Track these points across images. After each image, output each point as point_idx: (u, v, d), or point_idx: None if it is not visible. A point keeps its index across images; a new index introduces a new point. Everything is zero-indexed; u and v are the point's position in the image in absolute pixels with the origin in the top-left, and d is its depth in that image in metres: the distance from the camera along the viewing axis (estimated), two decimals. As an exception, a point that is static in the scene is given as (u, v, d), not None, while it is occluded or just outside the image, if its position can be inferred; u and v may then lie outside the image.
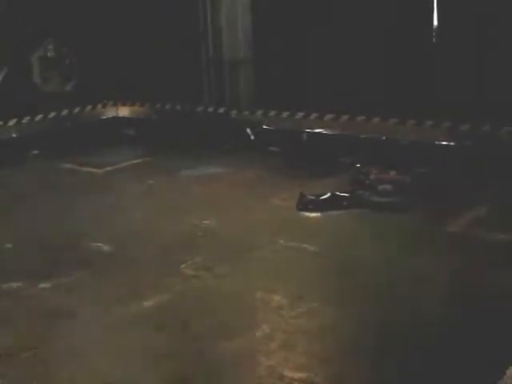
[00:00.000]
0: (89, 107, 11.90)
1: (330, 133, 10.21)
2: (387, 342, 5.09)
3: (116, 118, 12.23)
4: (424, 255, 6.56)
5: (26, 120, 11.03)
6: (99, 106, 12.07)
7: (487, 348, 4.90)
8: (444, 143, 9.29)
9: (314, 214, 7.82)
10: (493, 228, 7.11)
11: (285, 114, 10.60)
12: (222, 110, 11.09)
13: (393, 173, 8.48)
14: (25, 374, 4.92)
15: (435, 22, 9.23)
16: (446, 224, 7.30)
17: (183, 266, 6.50)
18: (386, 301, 5.72)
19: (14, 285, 6.24)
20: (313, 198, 7.95)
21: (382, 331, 5.24)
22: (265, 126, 10.74)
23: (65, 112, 11.50)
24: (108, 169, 10.01)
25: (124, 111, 12.27)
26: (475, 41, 8.93)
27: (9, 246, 7.20)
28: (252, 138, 10.80)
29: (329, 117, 10.17)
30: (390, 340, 5.12)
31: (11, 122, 10.86)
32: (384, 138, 9.67)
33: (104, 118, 12.17)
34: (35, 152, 10.91)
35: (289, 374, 4.74)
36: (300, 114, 10.45)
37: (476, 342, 5.01)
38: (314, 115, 10.32)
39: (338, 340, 5.17)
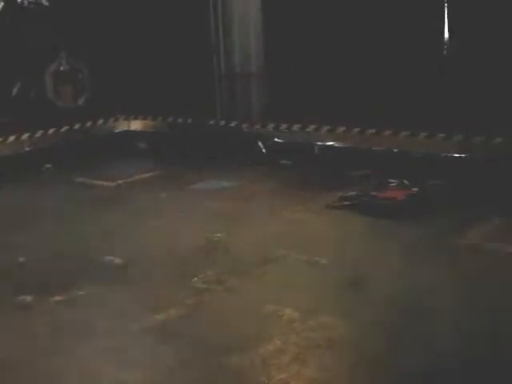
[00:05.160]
0: (101, 121, 11.96)
1: (341, 145, 10.21)
2: (399, 355, 5.07)
3: (128, 132, 12.28)
4: (436, 267, 6.54)
5: (38, 134, 11.10)
6: (111, 119, 12.12)
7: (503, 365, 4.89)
8: (456, 155, 9.27)
9: (327, 227, 7.82)
10: (506, 240, 7.08)
11: (296, 127, 10.61)
12: (233, 124, 11.12)
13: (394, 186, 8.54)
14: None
15: (446, 35, 9.24)
16: (458, 236, 7.28)
17: (195, 279, 6.51)
18: (397, 313, 5.70)
19: (28, 298, 6.26)
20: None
21: (395, 344, 5.23)
22: (276, 139, 10.75)
23: (77, 126, 11.57)
24: (120, 182, 10.04)
25: (136, 125, 12.32)
26: (487, 52, 8.92)
27: (22, 259, 7.21)
28: (264, 151, 10.82)
29: (340, 129, 10.18)
30: (402, 353, 5.11)
31: (24, 136, 10.93)
32: (395, 150, 9.67)
33: (116, 131, 12.22)
34: (48, 166, 10.97)
35: (301, 387, 4.74)
36: (311, 127, 10.46)
37: (492, 355, 5.00)
38: (325, 128, 10.33)
39: (350, 353, 5.15)
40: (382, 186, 8.63)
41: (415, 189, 8.43)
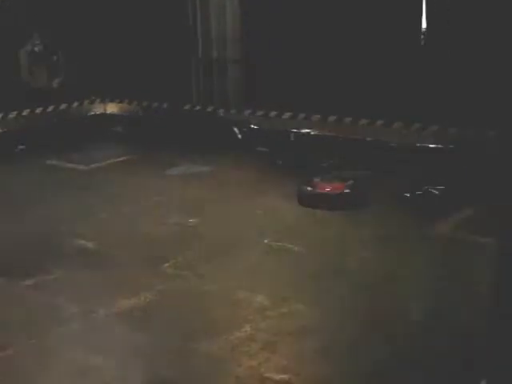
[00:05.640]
0: (76, 103, 11.85)
1: (317, 133, 10.20)
2: (371, 343, 5.10)
3: (104, 115, 12.17)
4: (410, 256, 6.59)
5: (12, 115, 10.98)
6: (86, 102, 12.02)
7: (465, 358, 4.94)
8: (432, 146, 9.30)
9: (300, 214, 7.83)
10: (479, 230, 7.12)
11: (272, 114, 10.60)
12: (209, 109, 11.07)
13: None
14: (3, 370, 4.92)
15: (424, 25, 9.26)
16: (432, 226, 7.33)
17: (166, 265, 6.49)
18: (369, 302, 5.73)
19: (-2, 282, 6.23)
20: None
21: (366, 332, 5.25)
22: (252, 126, 10.73)
23: (52, 108, 11.46)
24: (94, 166, 9.97)
25: (112, 108, 12.23)
26: (463, 44, 8.94)
27: (-8, 242, 7.16)
28: (239, 137, 10.79)
29: (316, 117, 10.18)
30: (373, 341, 5.14)
31: (-2, 117, 10.83)
32: (370, 139, 9.69)
33: (91, 114, 12.11)
34: (21, 147, 10.85)
35: (270, 375, 4.74)
36: (287, 114, 10.45)
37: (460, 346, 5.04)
38: (301, 115, 10.32)
39: (321, 341, 5.17)
40: (327, 178, 8.46)
41: (350, 182, 8.23)
